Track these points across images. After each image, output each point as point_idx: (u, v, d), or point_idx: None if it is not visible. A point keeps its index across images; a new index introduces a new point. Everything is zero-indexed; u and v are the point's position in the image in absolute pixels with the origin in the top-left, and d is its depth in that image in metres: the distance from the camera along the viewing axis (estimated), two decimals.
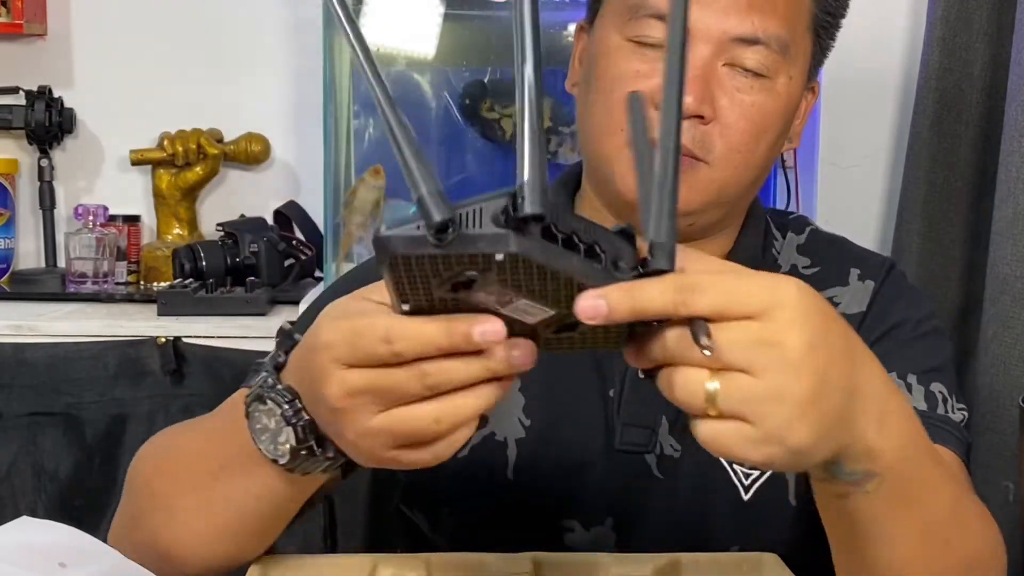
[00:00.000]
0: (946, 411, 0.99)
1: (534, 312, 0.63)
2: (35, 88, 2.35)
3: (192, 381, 1.91)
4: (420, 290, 0.62)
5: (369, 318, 0.66)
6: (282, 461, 0.76)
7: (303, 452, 0.75)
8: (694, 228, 1.02)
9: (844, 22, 1.06)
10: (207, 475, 0.86)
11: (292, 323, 1.07)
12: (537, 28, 0.61)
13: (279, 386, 0.75)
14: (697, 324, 0.61)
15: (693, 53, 0.97)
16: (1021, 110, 1.75)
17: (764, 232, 1.10)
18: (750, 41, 0.97)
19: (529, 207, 0.58)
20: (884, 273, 1.09)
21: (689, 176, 0.97)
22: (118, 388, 1.93)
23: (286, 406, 0.74)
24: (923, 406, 0.99)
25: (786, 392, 0.61)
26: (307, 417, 0.74)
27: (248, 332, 1.93)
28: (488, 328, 0.62)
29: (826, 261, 1.10)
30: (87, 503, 1.93)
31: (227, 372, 1.88)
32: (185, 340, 1.92)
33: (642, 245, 0.62)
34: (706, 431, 0.63)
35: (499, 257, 0.58)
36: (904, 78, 2.26)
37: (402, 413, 0.66)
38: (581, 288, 0.60)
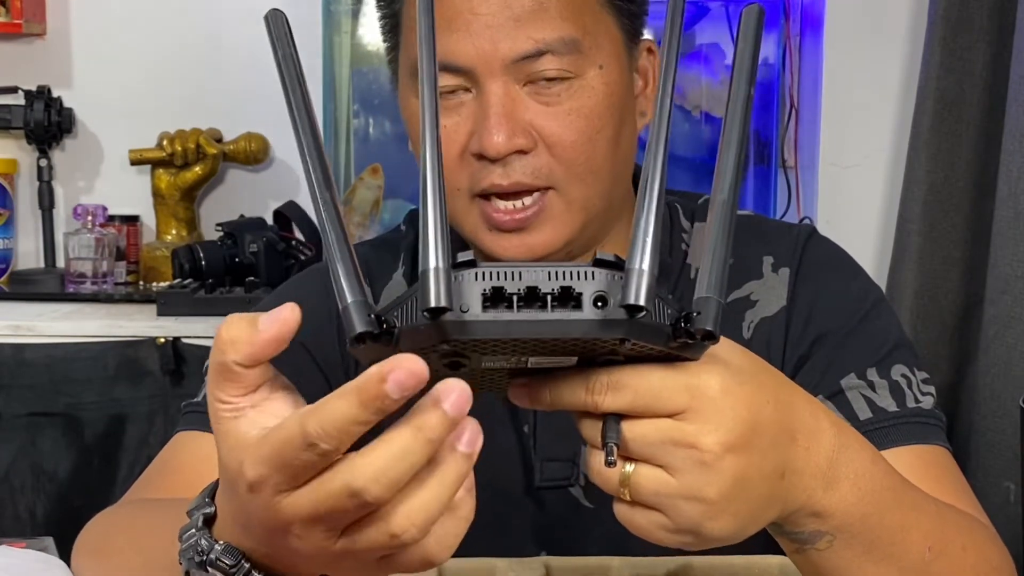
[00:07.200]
0: (916, 399, 0.94)
1: (549, 363, 0.59)
2: (34, 88, 2.35)
3: (191, 381, 1.90)
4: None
5: (283, 428, 0.54)
6: None
7: None
8: (573, 250, 0.96)
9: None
10: None
11: None
12: (436, 120, 0.56)
13: (217, 546, 0.63)
14: (608, 422, 0.60)
15: (484, 91, 0.91)
16: (1022, 110, 1.75)
17: (670, 227, 1.04)
18: (535, 55, 0.90)
19: (433, 301, 0.53)
20: (799, 255, 1.02)
21: (541, 210, 0.92)
22: (117, 388, 1.93)
23: (233, 570, 0.63)
24: (892, 405, 0.93)
25: (699, 493, 0.60)
26: None
27: None
28: (401, 376, 0.50)
29: (738, 249, 1.00)
30: (86, 503, 1.93)
31: None
32: (184, 340, 1.92)
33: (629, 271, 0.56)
34: (621, 514, 0.62)
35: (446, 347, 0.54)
36: (904, 78, 2.26)
37: (357, 537, 0.56)
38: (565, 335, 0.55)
